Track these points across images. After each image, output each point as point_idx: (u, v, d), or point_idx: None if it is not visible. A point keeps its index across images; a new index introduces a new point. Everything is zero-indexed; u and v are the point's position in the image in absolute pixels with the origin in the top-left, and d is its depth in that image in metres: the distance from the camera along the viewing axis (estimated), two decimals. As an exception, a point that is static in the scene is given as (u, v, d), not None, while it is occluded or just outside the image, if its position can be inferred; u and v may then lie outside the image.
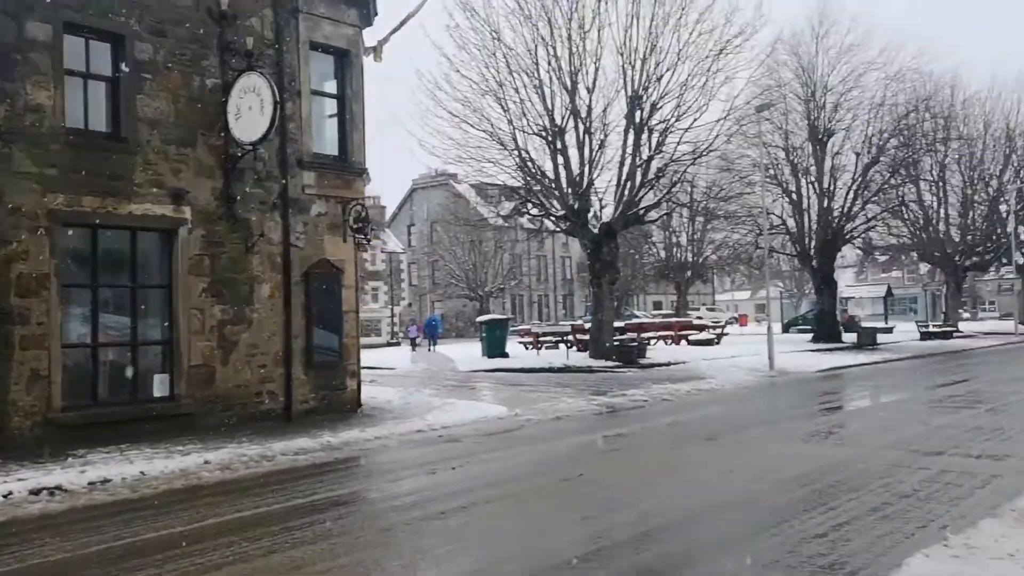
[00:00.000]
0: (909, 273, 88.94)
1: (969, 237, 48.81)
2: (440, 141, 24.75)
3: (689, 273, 56.28)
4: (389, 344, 54.78)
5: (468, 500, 8.18)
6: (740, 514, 7.47)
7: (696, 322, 35.25)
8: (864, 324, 49.13)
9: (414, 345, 43.72)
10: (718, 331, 35.85)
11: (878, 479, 8.41)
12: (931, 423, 12.25)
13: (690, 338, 31.38)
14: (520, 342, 34.07)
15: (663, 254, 53.97)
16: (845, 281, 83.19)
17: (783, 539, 6.48)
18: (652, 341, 30.19)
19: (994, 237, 49.44)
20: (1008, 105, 49.61)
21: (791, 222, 37.91)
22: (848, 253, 60.85)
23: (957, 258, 48.13)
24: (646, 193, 26.30)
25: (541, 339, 31.91)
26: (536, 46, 24.56)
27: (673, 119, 24.93)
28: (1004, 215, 50.18)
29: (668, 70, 24.94)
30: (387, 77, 23.04)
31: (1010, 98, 50.03)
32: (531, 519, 7.50)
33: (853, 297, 51.92)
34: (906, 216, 47.05)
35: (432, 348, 40.23)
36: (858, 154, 36.55)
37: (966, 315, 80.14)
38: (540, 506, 7.99)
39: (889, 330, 43.55)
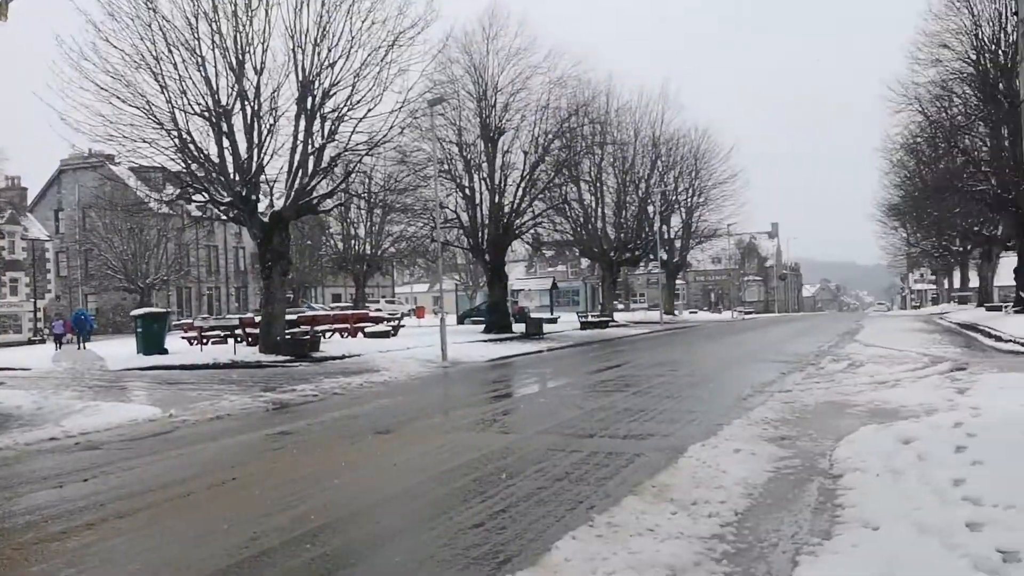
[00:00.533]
0: (572, 267, 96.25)
1: (622, 234, 53.50)
2: (87, 116, 22.20)
3: (367, 265, 56.09)
4: (32, 342, 48.93)
5: (97, 516, 7.13)
6: (402, 508, 7.21)
7: (373, 314, 35.06)
8: (533, 315, 52.12)
9: (59, 343, 39.34)
10: (394, 323, 36.01)
11: (535, 464, 8.56)
12: (586, 407, 12.91)
13: (367, 330, 31.12)
14: (184, 337, 31.80)
15: (341, 246, 53.36)
16: (516, 274, 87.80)
17: (441, 531, 6.28)
18: (327, 334, 29.51)
19: (643, 235, 54.66)
20: (654, 115, 55.09)
21: (465, 216, 39.04)
22: (519, 247, 64.08)
23: (612, 254, 52.58)
24: (319, 182, 25.60)
25: (206, 334, 29.99)
26: (197, 20, 22.87)
27: (347, 108, 24.48)
28: (651, 215, 55.71)
29: (341, 57, 24.44)
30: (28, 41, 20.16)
31: (655, 109, 55.60)
32: (170, 533, 6.65)
33: (523, 289, 54.89)
34: (569, 214, 50.45)
35: (82, 346, 36.40)
36: (526, 153, 38.50)
37: (620, 306, 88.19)
38: (183, 517, 7.14)
39: (554, 320, 46.49)
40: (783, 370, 17.09)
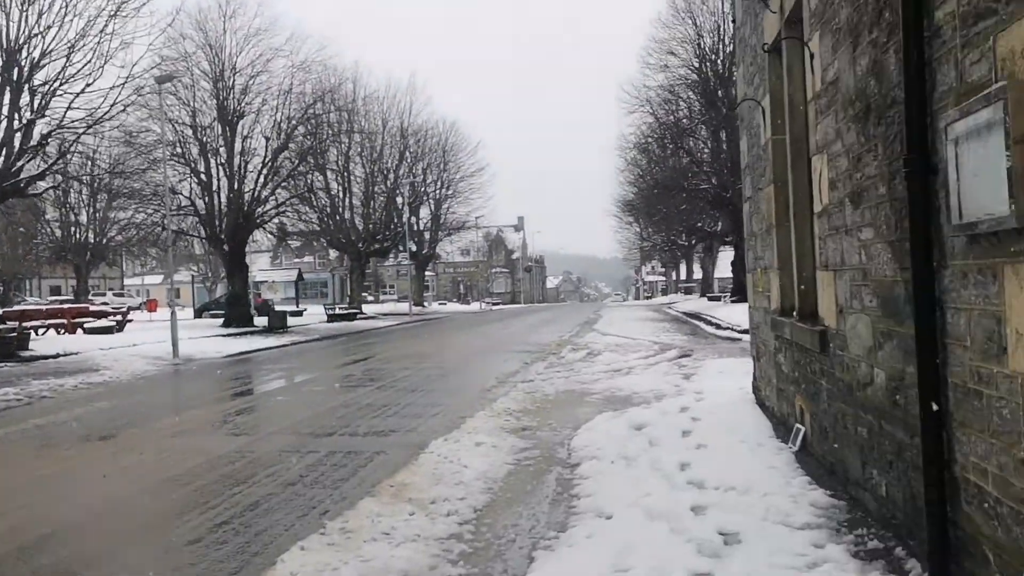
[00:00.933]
0: (320, 258, 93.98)
1: (371, 225, 52.84)
2: None
3: (90, 255, 51.59)
4: None
5: None
6: (106, 527, 6.37)
7: (94, 308, 31.99)
8: (277, 308, 50.18)
9: None
10: (119, 318, 33.12)
11: (266, 468, 7.94)
12: (327, 404, 12.34)
13: (86, 326, 28.32)
14: None
15: (59, 233, 48.72)
16: (260, 265, 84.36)
17: (148, 553, 5.57)
18: (39, 331, 26.53)
19: (392, 226, 54.30)
20: (402, 106, 54.92)
21: (201, 203, 36.70)
22: (263, 237, 61.45)
23: (361, 244, 51.77)
24: (28, 162, 22.89)
25: None
26: None
27: (60, 81, 22.05)
28: (400, 206, 55.47)
29: (54, 25, 21.97)
30: None
31: (404, 100, 55.45)
32: None
33: (267, 281, 52.62)
34: (315, 203, 49.09)
35: None
36: (268, 138, 36.87)
37: (370, 298, 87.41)
38: None
39: (300, 313, 45.00)
40: (527, 360, 17.40)
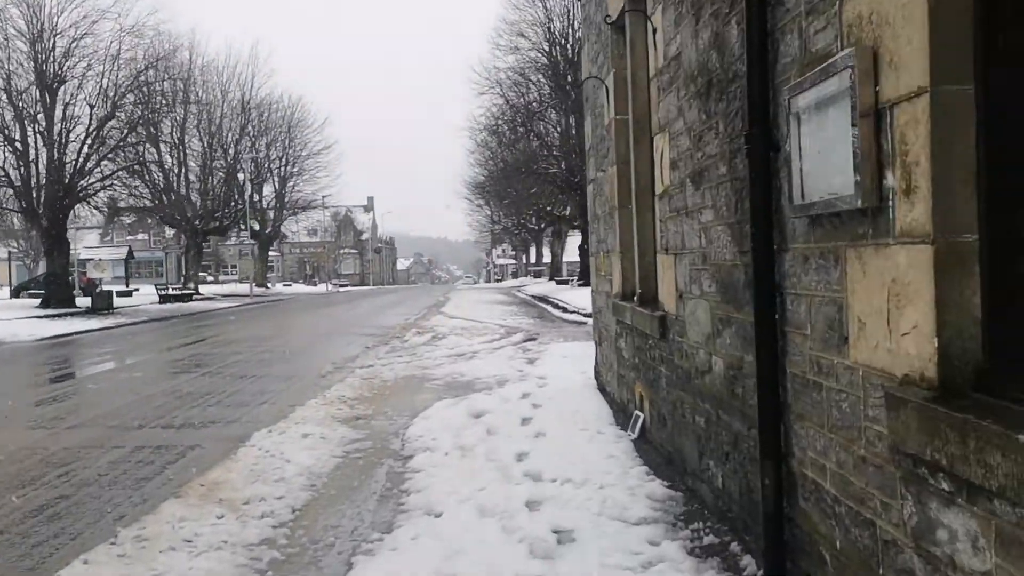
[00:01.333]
0: (156, 236, 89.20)
1: (209, 202, 50.32)
2: None
3: None
4: None
5: None
6: None
7: None
8: (106, 288, 47.15)
9: None
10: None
11: (60, 467, 7.09)
12: (143, 392, 11.38)
13: None
14: None
15: None
16: (88, 242, 79.23)
17: None
18: None
19: (232, 203, 51.94)
20: (243, 77, 52.62)
21: (15, 174, 33.76)
22: (89, 213, 57.57)
23: (197, 222, 49.20)
24: None
25: None
26: None
27: None
28: (241, 183, 53.13)
29: None
30: None
31: (245, 71, 53.13)
32: None
33: (93, 259, 49.18)
34: (147, 177, 46.32)
35: None
36: (92, 106, 34.31)
37: (210, 278, 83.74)
38: None
39: (129, 293, 42.41)
40: (368, 344, 16.79)
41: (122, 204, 43.74)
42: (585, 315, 21.77)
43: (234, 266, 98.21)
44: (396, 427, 8.48)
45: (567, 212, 52.26)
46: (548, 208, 52.37)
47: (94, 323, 26.75)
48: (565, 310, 25.25)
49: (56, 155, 33.98)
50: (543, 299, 33.41)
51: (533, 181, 43.69)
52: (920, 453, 2.44)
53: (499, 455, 6.75)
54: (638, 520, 5.06)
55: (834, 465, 3.16)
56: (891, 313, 2.68)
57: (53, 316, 29.63)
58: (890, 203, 2.65)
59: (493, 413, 8.51)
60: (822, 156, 3.09)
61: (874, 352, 2.81)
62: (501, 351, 14.60)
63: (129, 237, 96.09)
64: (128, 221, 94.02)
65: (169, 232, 71.75)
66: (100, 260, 48.73)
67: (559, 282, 46.47)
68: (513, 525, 5.04)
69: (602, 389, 9.30)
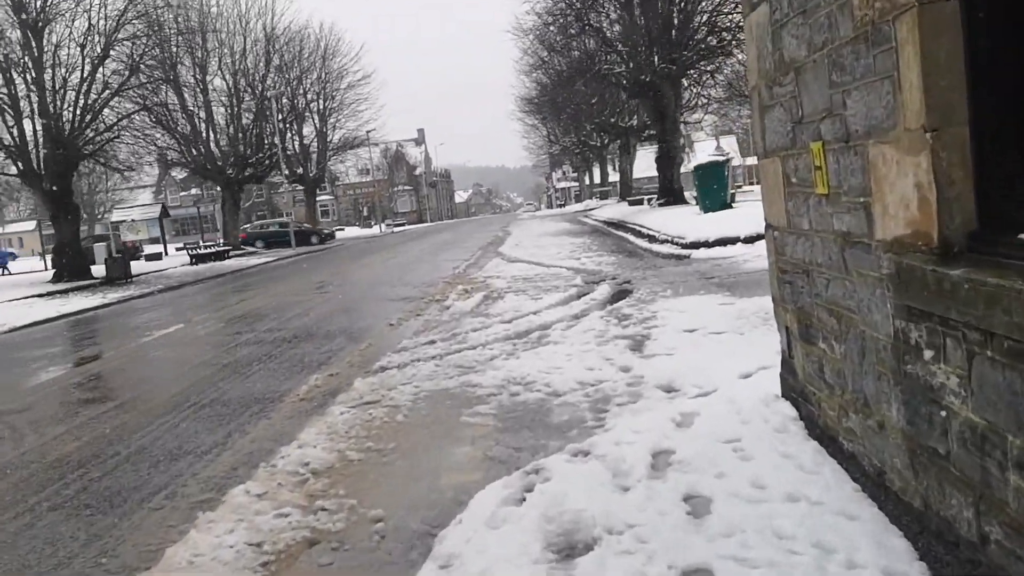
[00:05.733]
0: (209, 190, 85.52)
1: (241, 147, 45.91)
2: None
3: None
4: None
5: None
6: None
7: None
8: (146, 252, 43.54)
9: None
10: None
11: None
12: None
13: None
14: None
15: None
16: (141, 201, 76.15)
17: None
18: None
19: (266, 147, 47.42)
20: (263, 5, 47.58)
21: (9, 136, 29.64)
22: (107, 172, 53.86)
23: (230, 171, 44.90)
24: None
25: None
26: None
27: None
28: (278, 123, 48.44)
29: None
30: None
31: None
32: None
33: (126, 220, 45.36)
34: (172, 125, 42.11)
35: None
36: (82, 46, 29.73)
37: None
38: None
39: (158, 256, 38.47)
40: (394, 318, 11.92)
41: (144, 156, 39.48)
42: (684, 245, 16.61)
43: (289, 214, 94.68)
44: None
45: (634, 122, 46.45)
46: (612, 120, 46.58)
47: (95, 299, 22.56)
48: (653, 239, 20.05)
49: (52, 108, 29.70)
50: (619, 225, 28.17)
51: (594, 87, 37.98)
52: None
53: None
54: None
55: None
56: None
57: (57, 293, 25.66)
58: None
59: (604, 544, 3.63)
60: None
61: None
62: (585, 321, 9.55)
63: (182, 193, 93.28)
64: (179, 177, 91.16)
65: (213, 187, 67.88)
66: (133, 221, 44.88)
67: (631, 202, 40.93)
68: None
69: (814, 423, 4.30)
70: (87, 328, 16.58)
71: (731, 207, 20.98)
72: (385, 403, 6.89)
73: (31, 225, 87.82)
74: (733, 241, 15.63)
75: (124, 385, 9.27)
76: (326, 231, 58.93)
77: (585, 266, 16.16)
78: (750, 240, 15.34)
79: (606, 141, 56.49)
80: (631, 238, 22.64)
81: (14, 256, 47.18)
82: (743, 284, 11.08)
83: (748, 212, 18.98)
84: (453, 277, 17.07)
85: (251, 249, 44.88)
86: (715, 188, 21.01)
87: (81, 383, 9.74)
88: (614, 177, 67.07)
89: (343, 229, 76.25)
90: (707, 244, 15.95)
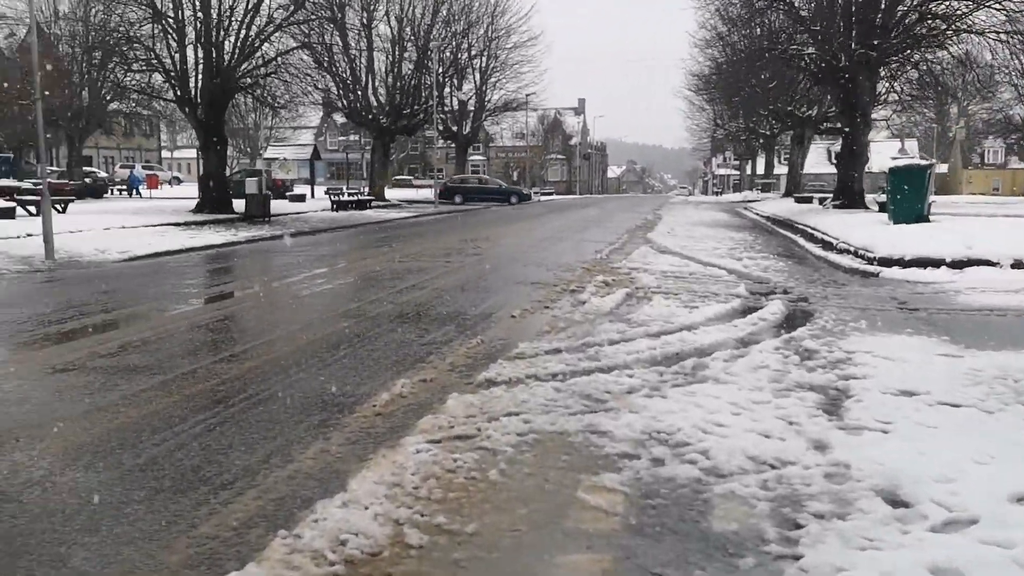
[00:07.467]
0: (366, 136, 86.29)
1: (398, 96, 45.10)
2: None
3: (85, 122, 45.51)
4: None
5: None
6: None
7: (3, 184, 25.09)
8: (295, 190, 43.60)
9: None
10: (62, 199, 26.58)
11: None
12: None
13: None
14: None
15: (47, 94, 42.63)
16: (303, 140, 77.67)
17: None
18: None
19: (423, 99, 46.45)
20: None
21: (170, 62, 29.57)
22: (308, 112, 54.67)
23: (384, 119, 44.19)
24: None
25: None
26: None
27: None
28: (439, 75, 47.35)
29: None
30: None
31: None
32: None
33: (279, 159, 45.58)
34: (333, 68, 41.69)
35: None
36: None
37: (416, 181, 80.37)
38: None
39: (302, 198, 38.17)
40: (517, 308, 10.07)
41: (301, 96, 39.14)
42: (871, 260, 14.02)
43: (440, 170, 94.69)
44: None
45: (812, 112, 42.81)
46: (788, 108, 43.05)
47: (227, 235, 21.93)
48: (829, 246, 17.41)
49: (216, 36, 29.39)
50: (787, 224, 25.39)
51: (774, 70, 34.81)
52: None
53: None
54: None
55: None
56: None
57: (195, 224, 25.32)
58: None
59: None
60: None
61: None
62: (755, 353, 7.39)
63: (340, 138, 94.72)
64: (339, 122, 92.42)
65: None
66: (285, 160, 45.01)
67: (799, 199, 37.62)
68: None
69: None
70: (194, 268, 15.64)
71: (927, 220, 18.03)
72: (479, 443, 5.06)
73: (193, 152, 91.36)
74: (936, 263, 12.94)
75: (173, 357, 7.71)
76: (525, 190, 58.27)
77: (749, 270, 13.84)
78: (958, 265, 12.67)
79: (777, 130, 52.71)
80: (801, 241, 19.98)
81: (149, 181, 48.13)
82: (966, 327, 8.64)
83: (951, 228, 16.15)
84: (594, 263, 15.09)
85: (391, 202, 44.22)
86: (910, 196, 18.05)
87: (119, 349, 8.36)
88: (779, 170, 63.04)
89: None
90: (901, 263, 13.31)
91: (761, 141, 61.84)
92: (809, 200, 35.16)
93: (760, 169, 69.50)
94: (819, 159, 56.35)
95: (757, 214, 34.11)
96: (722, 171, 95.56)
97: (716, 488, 4.38)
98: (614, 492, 4.35)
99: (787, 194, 45.36)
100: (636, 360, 7.14)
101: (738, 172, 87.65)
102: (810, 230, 20.55)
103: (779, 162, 65.39)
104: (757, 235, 22.84)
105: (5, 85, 44.08)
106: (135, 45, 29.09)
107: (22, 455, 4.80)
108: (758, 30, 33.42)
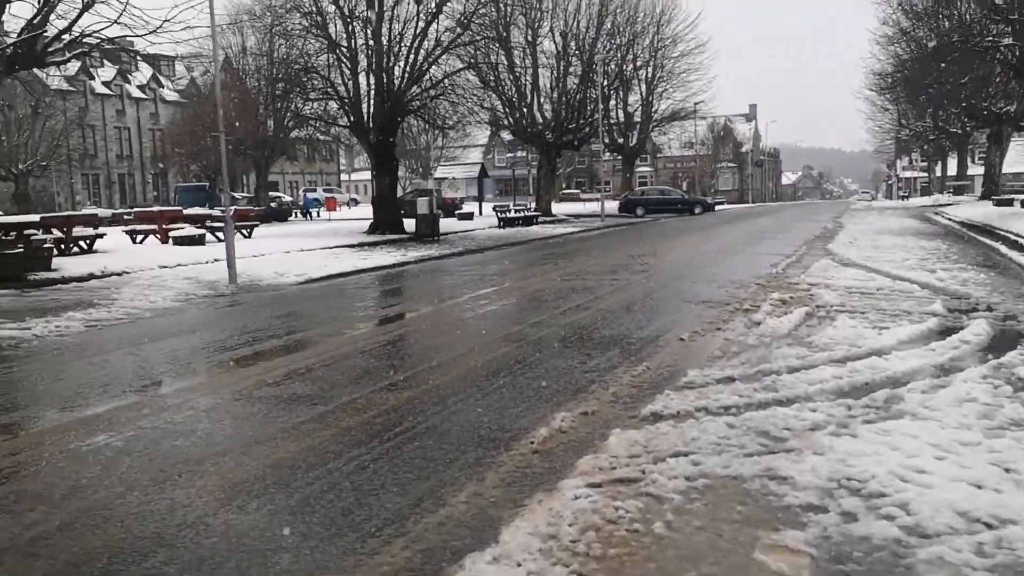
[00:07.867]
0: (534, 153, 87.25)
1: (563, 111, 45.13)
2: None
3: (270, 150, 48.28)
4: None
5: None
6: None
7: (188, 212, 26.80)
8: (465, 207, 44.41)
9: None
10: (246, 224, 28.13)
11: None
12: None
13: (174, 235, 23.23)
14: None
15: (237, 124, 45.66)
16: (473, 158, 79.51)
17: None
18: (87, 241, 21.08)
19: (587, 113, 46.29)
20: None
21: (343, 89, 30.78)
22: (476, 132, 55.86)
23: (549, 135, 44.33)
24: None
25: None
26: None
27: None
28: (605, 89, 47.07)
29: None
30: None
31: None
32: None
33: (447, 178, 46.66)
34: (499, 87, 42.23)
35: None
36: (419, 2, 29.94)
37: (584, 196, 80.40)
38: None
39: (469, 216, 38.75)
40: (687, 330, 9.52)
41: (467, 116, 39.88)
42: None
43: (607, 183, 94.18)
44: None
45: (1011, 108, 39.40)
46: (983, 104, 39.82)
47: (397, 255, 22.48)
48: (1038, 255, 15.71)
49: (386, 63, 30.37)
50: (985, 230, 23.28)
51: (966, 65, 32.21)
52: None
53: None
54: None
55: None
56: None
57: (367, 245, 26.12)
58: None
59: None
60: None
61: None
62: (958, 383, 6.54)
63: (508, 155, 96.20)
64: (507, 139, 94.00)
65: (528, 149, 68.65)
66: (454, 179, 45.98)
67: (998, 202, 34.59)
68: None
69: None
70: (363, 291, 15.97)
71: None
72: (643, 488, 4.64)
73: (367, 174, 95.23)
74: None
75: (334, 387, 7.70)
76: (710, 199, 57.63)
77: (944, 284, 12.62)
78: None
79: (971, 128, 48.88)
80: (1003, 249, 18.17)
81: (325, 202, 50.56)
82: None
83: None
84: (769, 278, 14.25)
85: (558, 217, 44.18)
86: None
87: (284, 377, 8.45)
88: (973, 170, 58.50)
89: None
90: None
91: (952, 140, 57.56)
92: (1010, 203, 32.24)
93: (951, 170, 64.69)
94: (1019, 158, 51.81)
95: (950, 219, 31.59)
96: (908, 174, 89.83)
97: (920, 552, 3.77)
98: (798, 554, 3.82)
99: (984, 197, 41.85)
100: (819, 391, 6.48)
101: (926, 174, 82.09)
102: (1013, 236, 18.68)
103: (973, 162, 60.69)
104: (951, 243, 21.01)
105: (199, 118, 47.58)
106: (313, 75, 30.47)
107: (181, 492, 4.80)
108: (946, 23, 31.12)
